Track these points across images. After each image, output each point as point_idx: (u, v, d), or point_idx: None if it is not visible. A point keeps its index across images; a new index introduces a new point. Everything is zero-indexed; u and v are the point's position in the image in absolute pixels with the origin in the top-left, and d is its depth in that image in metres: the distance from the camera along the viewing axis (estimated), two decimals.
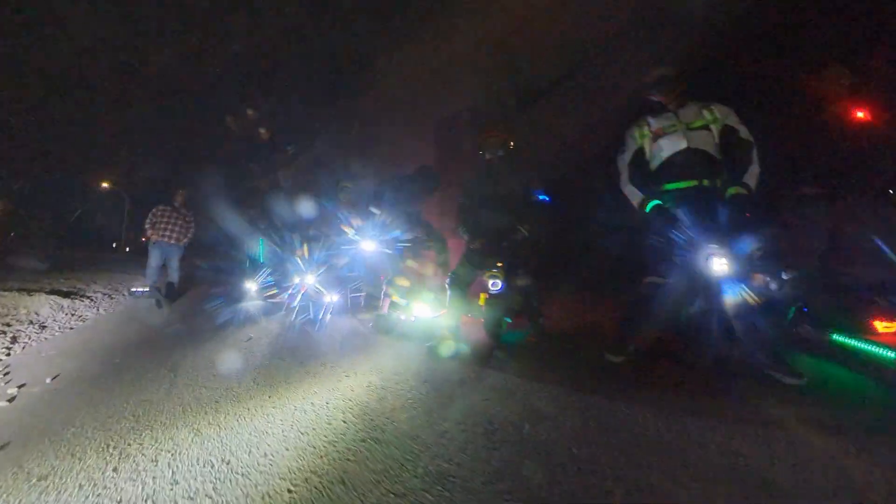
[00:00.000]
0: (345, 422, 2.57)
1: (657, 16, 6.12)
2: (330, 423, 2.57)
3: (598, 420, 2.27)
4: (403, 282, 5.10)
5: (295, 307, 6.18)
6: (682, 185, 2.97)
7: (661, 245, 3.03)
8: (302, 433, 2.46)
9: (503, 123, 4.41)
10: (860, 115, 3.84)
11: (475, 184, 4.31)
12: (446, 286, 4.24)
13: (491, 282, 3.72)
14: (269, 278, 7.37)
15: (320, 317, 5.79)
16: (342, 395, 2.97)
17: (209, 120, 10.66)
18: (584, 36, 6.69)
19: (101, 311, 6.61)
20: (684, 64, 3.23)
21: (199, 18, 9.54)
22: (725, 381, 2.75)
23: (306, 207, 7.56)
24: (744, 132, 2.91)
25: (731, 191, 2.79)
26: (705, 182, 2.91)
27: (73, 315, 6.21)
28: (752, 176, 2.83)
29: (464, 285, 4.13)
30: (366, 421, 2.56)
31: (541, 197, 4.18)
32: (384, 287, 5.58)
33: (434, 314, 4.90)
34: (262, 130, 9.60)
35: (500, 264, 3.82)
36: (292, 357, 3.90)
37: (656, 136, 3.07)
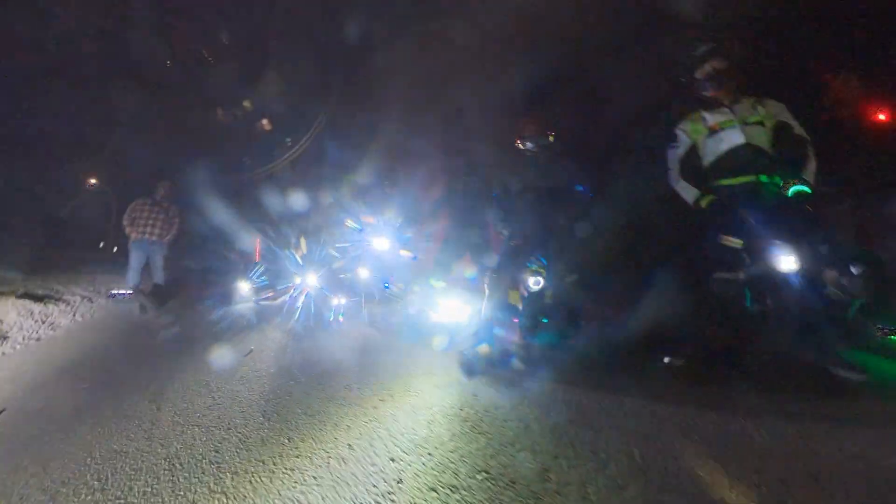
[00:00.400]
0: (401, 471, 1.78)
1: (672, 15, 5.39)
2: (382, 471, 1.78)
3: (698, 434, 1.95)
4: (437, 282, 4.29)
5: (297, 311, 5.31)
6: (740, 180, 2.78)
7: (725, 241, 2.76)
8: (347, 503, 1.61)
9: (544, 112, 3.85)
10: (881, 116, 3.79)
11: (514, 176, 3.77)
12: (485, 285, 3.52)
13: (533, 279, 3.24)
14: (266, 278, 6.44)
15: (329, 322, 4.91)
16: (385, 427, 2.19)
17: (201, 111, 9.59)
18: (588, 35, 5.91)
19: (77, 317, 5.55)
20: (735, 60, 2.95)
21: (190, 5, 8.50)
22: (790, 378, 2.53)
23: (306, 200, 6.68)
24: (798, 128, 2.76)
25: (793, 187, 2.61)
26: (763, 178, 2.73)
27: (43, 322, 5.15)
28: (811, 172, 2.69)
29: (504, 284, 3.45)
30: (426, 460, 1.84)
31: (580, 188, 3.68)
32: (413, 287, 4.76)
33: (467, 315, 4.11)
34: (264, 121, 8.65)
35: (541, 260, 3.33)
36: (307, 377, 3.01)
37: (712, 132, 2.87)
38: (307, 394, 2.69)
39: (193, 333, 4.45)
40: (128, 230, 6.03)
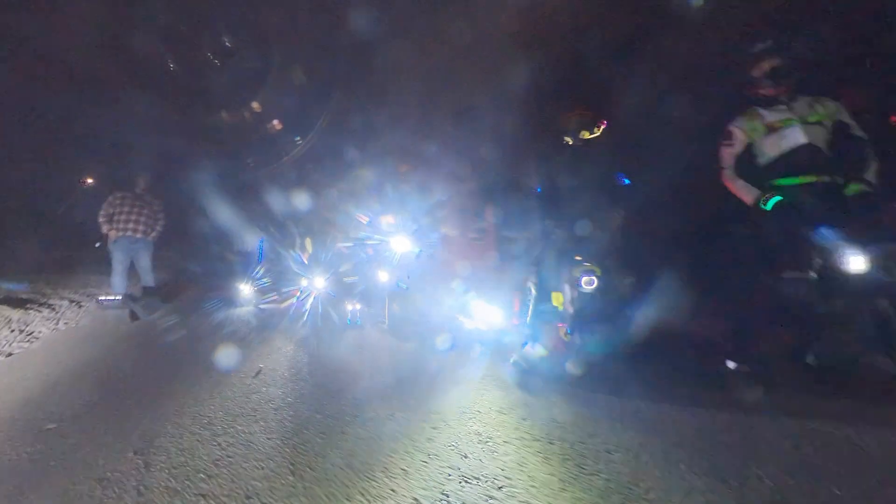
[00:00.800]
0: None
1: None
2: None
3: (809, 446, 1.74)
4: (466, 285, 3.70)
5: (305, 316, 4.59)
6: (801, 180, 2.57)
7: (792, 240, 2.52)
8: None
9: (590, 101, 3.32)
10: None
11: (558, 170, 3.28)
12: (529, 286, 3.06)
13: (585, 278, 2.76)
14: (269, 280, 5.67)
15: (345, 330, 4.20)
16: (467, 477, 1.59)
17: (204, 112, 8.75)
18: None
19: (60, 325, 4.72)
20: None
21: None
22: (863, 381, 2.31)
23: (314, 199, 5.96)
24: (857, 129, 2.58)
25: (855, 188, 2.45)
26: (825, 178, 2.54)
27: (21, 332, 4.33)
28: (873, 173, 2.50)
29: (550, 284, 3.03)
30: None
31: (624, 180, 3.24)
32: (440, 289, 4.12)
33: (502, 319, 3.49)
34: (275, 122, 7.88)
35: (591, 257, 2.89)
36: (336, 405, 2.30)
37: (771, 130, 2.65)
38: (343, 432, 1.99)
39: (190, 347, 3.68)
40: (105, 228, 5.07)
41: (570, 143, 3.21)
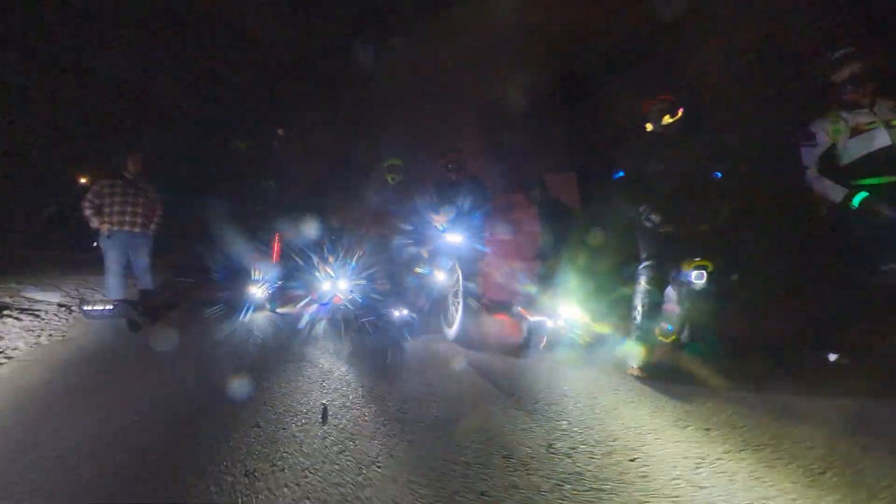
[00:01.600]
0: None
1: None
2: None
3: None
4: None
5: (335, 326, 3.67)
6: (885, 180, 2.49)
7: (884, 233, 2.39)
8: None
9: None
10: None
11: (641, 160, 2.86)
12: (642, 281, 2.59)
13: (695, 272, 2.47)
14: (284, 283, 4.62)
15: (401, 342, 3.25)
16: None
17: (218, 139, 7.92)
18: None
19: (42, 338, 3.54)
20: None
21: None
22: None
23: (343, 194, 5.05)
24: None
25: None
26: None
27: None
28: None
29: (661, 280, 2.63)
30: None
31: (717, 175, 2.83)
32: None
33: (587, 319, 3.03)
34: (298, 144, 7.09)
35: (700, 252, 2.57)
36: (473, 449, 1.44)
37: (855, 132, 2.56)
38: (526, 494, 1.08)
39: (210, 371, 2.64)
40: (95, 222, 3.88)
41: (656, 130, 2.79)
